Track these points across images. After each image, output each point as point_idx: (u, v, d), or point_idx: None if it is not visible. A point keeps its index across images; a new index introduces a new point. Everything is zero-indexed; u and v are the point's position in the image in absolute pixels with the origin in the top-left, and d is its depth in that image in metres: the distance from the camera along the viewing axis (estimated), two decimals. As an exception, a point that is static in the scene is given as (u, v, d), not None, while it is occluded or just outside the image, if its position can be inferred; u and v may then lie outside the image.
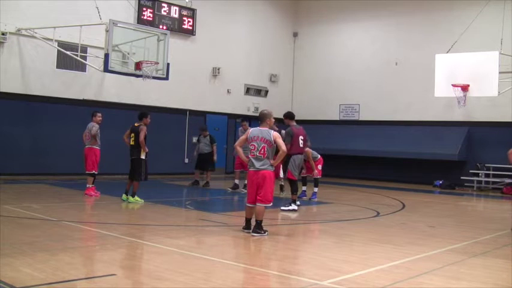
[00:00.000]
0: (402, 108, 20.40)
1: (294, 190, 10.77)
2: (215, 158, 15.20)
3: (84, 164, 11.97)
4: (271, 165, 7.79)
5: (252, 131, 7.93)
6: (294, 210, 10.59)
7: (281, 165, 11.03)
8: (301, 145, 10.91)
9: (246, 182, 13.96)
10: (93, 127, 11.81)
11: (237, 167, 14.50)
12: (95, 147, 11.87)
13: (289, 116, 11.32)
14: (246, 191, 13.60)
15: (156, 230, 8.32)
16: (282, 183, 13.33)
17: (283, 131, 11.17)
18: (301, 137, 10.88)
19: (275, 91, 22.72)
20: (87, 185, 11.83)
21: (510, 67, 16.01)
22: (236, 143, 8.33)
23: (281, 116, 11.87)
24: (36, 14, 15.10)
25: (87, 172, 11.89)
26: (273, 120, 8.18)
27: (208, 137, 15.27)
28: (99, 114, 12.08)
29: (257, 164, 7.73)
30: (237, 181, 14.46)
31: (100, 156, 11.98)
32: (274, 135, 7.79)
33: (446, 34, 18.10)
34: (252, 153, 7.75)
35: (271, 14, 22.75)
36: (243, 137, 8.08)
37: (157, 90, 17.71)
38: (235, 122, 21.20)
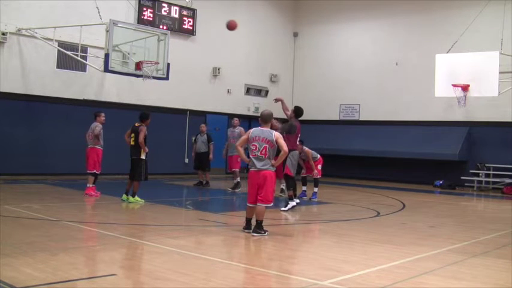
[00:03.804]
0: (402, 108, 20.40)
1: (290, 186, 10.70)
2: (211, 156, 15.15)
3: (86, 163, 12.00)
4: (273, 165, 7.79)
5: (253, 131, 7.92)
6: (293, 206, 10.53)
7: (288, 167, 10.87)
8: (298, 142, 10.94)
9: (235, 181, 14.14)
10: (96, 127, 11.85)
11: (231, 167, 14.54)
12: (97, 147, 11.90)
13: (297, 112, 10.93)
14: (231, 191, 13.81)
15: (156, 230, 8.32)
16: (283, 187, 13.27)
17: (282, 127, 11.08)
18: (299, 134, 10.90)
19: (275, 91, 22.67)
20: (88, 185, 11.83)
21: (510, 67, 16.01)
22: (237, 143, 8.31)
23: (281, 116, 11.83)
24: (36, 14, 15.11)
25: (88, 172, 11.89)
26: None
27: (205, 136, 15.25)
28: (103, 114, 12.12)
29: (258, 164, 7.72)
30: (238, 179, 14.49)
31: (102, 156, 12.00)
32: (276, 135, 7.78)
33: (446, 34, 18.09)
34: (253, 154, 7.75)
35: (271, 14, 22.75)
36: (244, 137, 8.07)
37: (158, 90, 17.70)
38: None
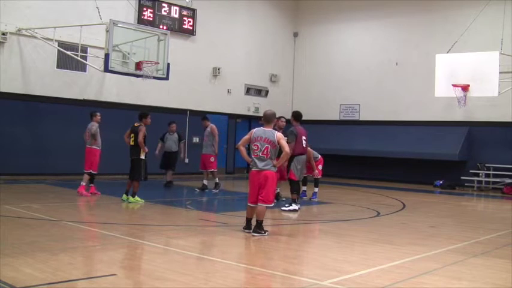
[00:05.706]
0: (402, 108, 20.40)
1: (294, 190, 10.74)
2: (182, 155, 14.89)
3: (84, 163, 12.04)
4: (274, 165, 7.80)
5: (256, 131, 7.93)
6: (294, 210, 10.58)
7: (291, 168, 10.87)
8: (304, 145, 10.91)
9: (216, 180, 14.13)
10: (93, 126, 11.91)
11: (202, 167, 14.43)
12: (94, 147, 11.94)
13: (297, 116, 11.13)
14: (216, 191, 13.76)
15: (156, 230, 8.32)
16: (278, 191, 13.19)
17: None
18: (304, 137, 10.87)
19: (275, 91, 22.72)
20: (82, 183, 11.83)
21: (510, 67, 15.99)
22: (239, 143, 8.30)
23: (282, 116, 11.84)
24: (36, 14, 15.11)
25: (84, 171, 11.92)
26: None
27: (176, 134, 14.92)
28: (99, 114, 12.23)
29: (260, 165, 7.73)
30: (205, 181, 14.33)
31: (100, 156, 12.01)
32: (278, 136, 7.79)
33: (446, 34, 18.10)
34: (255, 154, 7.76)
35: (271, 14, 22.75)
36: (246, 137, 8.08)
37: (158, 90, 17.70)
38: (236, 122, 21.26)
